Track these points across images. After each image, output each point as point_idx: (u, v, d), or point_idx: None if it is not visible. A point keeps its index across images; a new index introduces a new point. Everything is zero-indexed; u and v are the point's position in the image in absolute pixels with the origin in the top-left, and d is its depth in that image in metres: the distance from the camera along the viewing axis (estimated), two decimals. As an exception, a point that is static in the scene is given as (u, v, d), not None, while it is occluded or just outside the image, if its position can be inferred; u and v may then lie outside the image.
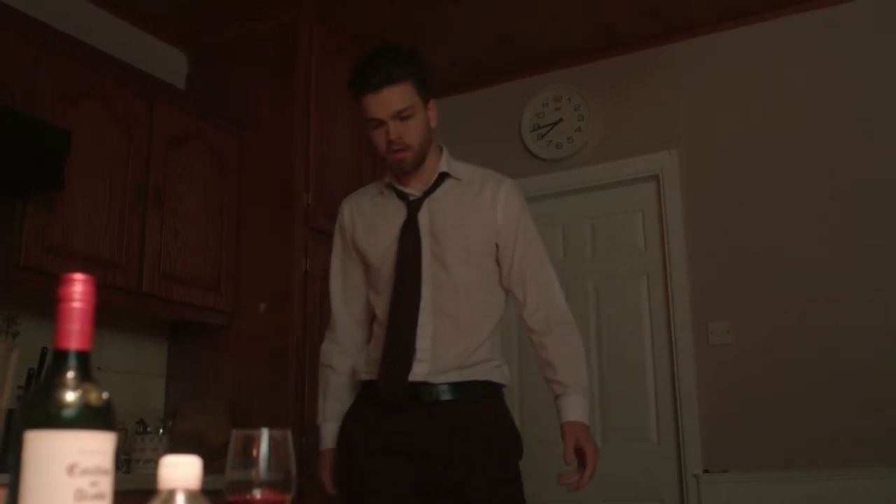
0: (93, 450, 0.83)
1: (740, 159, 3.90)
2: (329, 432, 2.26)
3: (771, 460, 3.58)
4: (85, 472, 0.82)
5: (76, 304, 0.87)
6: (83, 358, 0.87)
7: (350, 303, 2.32)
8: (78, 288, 0.87)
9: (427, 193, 2.21)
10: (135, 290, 3.18)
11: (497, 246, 2.23)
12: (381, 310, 2.21)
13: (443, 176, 2.23)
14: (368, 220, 2.27)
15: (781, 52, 3.91)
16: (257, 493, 1.04)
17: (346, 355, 2.30)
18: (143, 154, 3.27)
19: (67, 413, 0.83)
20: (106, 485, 0.84)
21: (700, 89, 4.06)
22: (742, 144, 3.91)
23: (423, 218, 2.19)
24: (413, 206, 2.20)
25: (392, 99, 2.09)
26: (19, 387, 2.88)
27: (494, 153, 4.10)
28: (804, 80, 3.83)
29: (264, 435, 1.07)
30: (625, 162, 4.18)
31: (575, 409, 2.16)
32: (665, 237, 4.01)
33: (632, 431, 3.96)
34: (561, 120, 4.35)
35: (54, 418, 0.83)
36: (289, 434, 1.09)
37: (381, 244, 2.21)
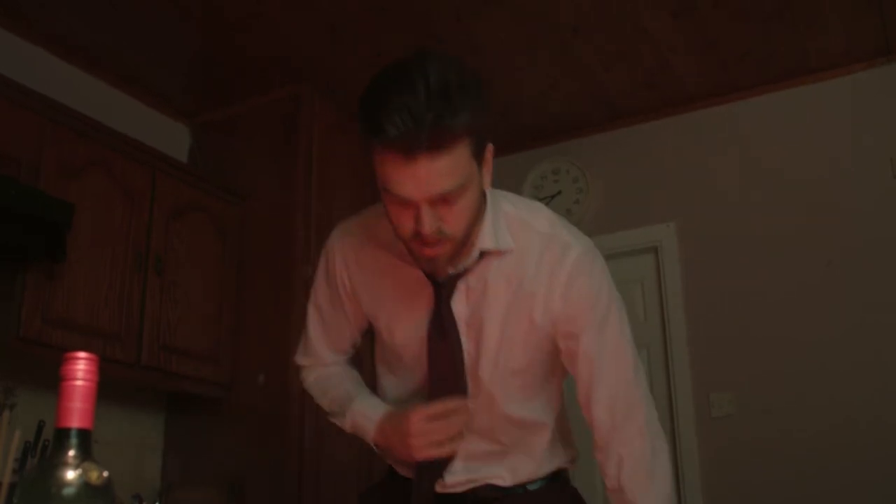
0: (92, 530, 0.83)
1: (738, 231, 3.92)
2: (364, 408, 1.60)
3: (775, 535, 3.52)
4: (83, 552, 0.82)
5: (79, 383, 0.87)
6: (84, 436, 0.87)
7: (336, 345, 1.74)
8: (81, 366, 0.88)
9: (461, 273, 1.49)
10: (134, 363, 3.17)
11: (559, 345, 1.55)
12: (398, 395, 1.65)
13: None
14: (377, 284, 1.58)
15: (777, 124, 3.96)
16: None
17: (339, 365, 1.76)
18: (145, 225, 3.30)
19: (68, 492, 0.83)
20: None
21: (698, 162, 4.10)
22: (739, 216, 3.94)
23: (458, 308, 1.51)
24: (444, 291, 1.49)
25: (435, 176, 1.25)
26: (15, 459, 2.84)
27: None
28: (801, 151, 3.87)
29: (264, 513, 1.05)
30: (623, 234, 4.20)
31: None
32: (664, 308, 4.01)
33: (634, 505, 3.89)
34: (560, 192, 4.39)
35: (55, 498, 0.83)
36: (288, 512, 1.07)
37: (400, 329, 1.57)
